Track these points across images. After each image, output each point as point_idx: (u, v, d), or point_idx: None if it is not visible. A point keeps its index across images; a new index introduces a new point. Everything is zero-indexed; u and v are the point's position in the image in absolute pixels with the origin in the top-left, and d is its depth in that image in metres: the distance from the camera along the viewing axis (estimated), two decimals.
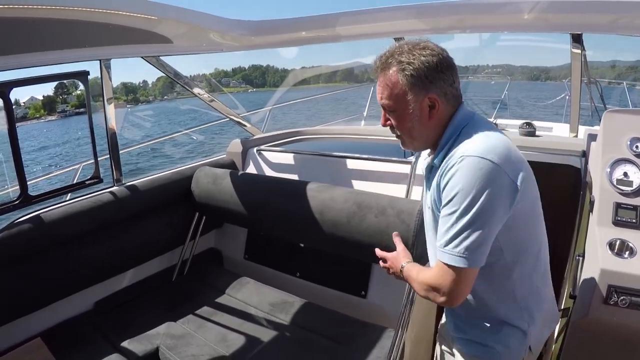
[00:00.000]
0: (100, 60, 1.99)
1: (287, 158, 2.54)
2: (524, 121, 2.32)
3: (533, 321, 1.21)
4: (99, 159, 2.15)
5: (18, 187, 1.85)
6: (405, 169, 2.01)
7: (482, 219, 1.02)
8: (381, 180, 2.10)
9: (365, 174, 2.18)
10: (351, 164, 2.25)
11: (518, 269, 1.16)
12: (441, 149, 1.17)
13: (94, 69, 2.06)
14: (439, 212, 1.13)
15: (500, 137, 1.11)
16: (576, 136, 2.20)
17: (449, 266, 1.06)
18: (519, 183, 1.06)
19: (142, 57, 2.05)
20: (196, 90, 2.60)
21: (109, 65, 2.06)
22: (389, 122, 1.21)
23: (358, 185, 2.17)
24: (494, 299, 1.20)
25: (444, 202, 1.09)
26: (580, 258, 1.49)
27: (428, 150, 1.31)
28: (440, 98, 1.13)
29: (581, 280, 1.43)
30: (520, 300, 1.19)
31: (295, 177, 2.43)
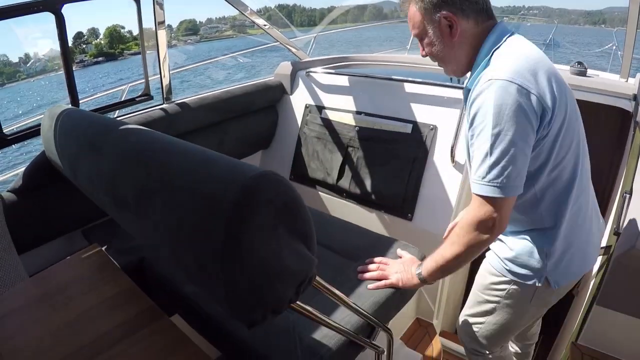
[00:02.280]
0: None
1: (338, 80, 2.53)
2: (576, 61, 2.26)
3: (552, 253, 1.21)
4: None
5: (69, 102, 1.88)
6: (458, 94, 2.00)
7: (515, 146, 1.01)
8: (434, 104, 2.07)
9: (418, 98, 2.16)
10: (403, 87, 2.23)
11: (547, 198, 1.18)
12: (473, 72, 1.18)
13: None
14: (471, 141, 1.11)
15: (534, 58, 1.09)
16: (627, 81, 2.14)
17: (486, 198, 1.06)
18: (549, 105, 1.04)
19: None
20: (251, 14, 2.60)
21: None
22: (423, 51, 1.24)
23: (410, 108, 2.16)
24: (520, 220, 1.24)
25: (473, 132, 1.08)
26: (628, 195, 1.48)
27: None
28: (457, 15, 1.13)
29: (627, 217, 1.44)
30: (546, 228, 1.21)
31: (348, 98, 2.43)
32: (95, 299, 1.16)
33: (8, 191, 1.72)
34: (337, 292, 1.02)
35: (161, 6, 2.10)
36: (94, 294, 1.18)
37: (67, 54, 1.80)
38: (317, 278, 0.89)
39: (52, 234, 1.84)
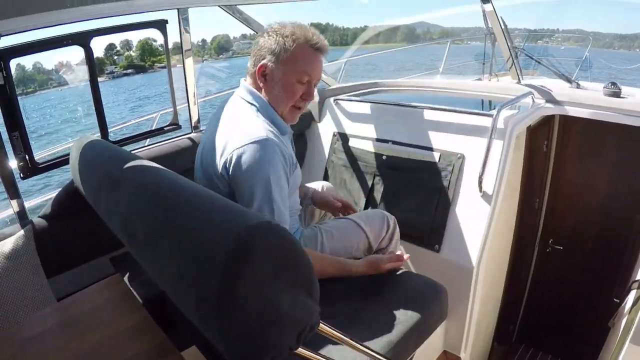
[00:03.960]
0: (178, 9, 2.03)
1: (365, 108, 2.55)
2: (609, 81, 2.22)
3: None
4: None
5: (99, 133, 1.98)
6: (486, 122, 1.98)
7: None
8: (462, 132, 2.06)
9: (445, 126, 2.16)
10: (431, 115, 2.24)
11: None
12: None
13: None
14: None
15: None
16: None
17: None
18: None
19: (219, 6, 2.06)
20: None
21: (186, 16, 2.11)
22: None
23: (437, 137, 2.16)
24: None
25: None
26: None
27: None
28: None
29: None
30: None
31: (374, 126, 2.44)
32: (111, 330, 1.21)
33: (39, 217, 1.80)
34: (345, 337, 1.02)
35: (187, 33, 2.17)
36: (110, 326, 1.23)
37: (96, 86, 1.88)
38: (322, 324, 0.89)
39: (80, 259, 1.91)
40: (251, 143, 1.28)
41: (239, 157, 1.28)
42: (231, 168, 1.30)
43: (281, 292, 0.75)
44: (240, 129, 1.35)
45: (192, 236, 0.81)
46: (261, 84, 1.44)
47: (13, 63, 1.64)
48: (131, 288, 1.51)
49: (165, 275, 0.90)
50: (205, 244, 0.77)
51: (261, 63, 1.41)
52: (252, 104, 1.43)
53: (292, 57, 1.38)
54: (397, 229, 1.90)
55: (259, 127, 1.34)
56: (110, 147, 1.50)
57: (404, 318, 1.40)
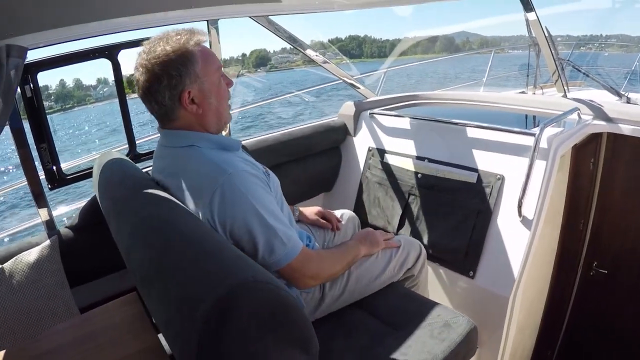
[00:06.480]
0: (207, 21, 2.03)
1: (402, 123, 2.49)
2: None
3: None
4: None
5: (127, 146, 2.00)
6: (528, 140, 1.88)
7: None
8: (502, 151, 1.96)
9: (484, 145, 2.08)
10: (470, 132, 2.16)
11: None
12: None
13: None
14: None
15: None
16: None
17: None
18: None
19: (250, 17, 2.05)
20: (310, 52, 2.63)
21: (217, 26, 2.12)
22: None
23: (476, 156, 2.08)
24: None
25: None
26: None
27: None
28: None
29: None
30: None
31: (411, 142, 2.38)
32: (121, 352, 1.19)
33: (65, 227, 1.82)
34: None
35: (218, 44, 2.17)
36: (121, 347, 1.21)
37: (124, 100, 1.90)
38: None
39: (104, 270, 1.91)
40: (220, 183, 1.19)
41: (218, 202, 1.19)
42: (216, 216, 1.20)
43: (270, 352, 0.70)
44: (200, 178, 1.26)
45: (178, 284, 0.77)
46: (194, 111, 1.30)
47: (41, 76, 1.67)
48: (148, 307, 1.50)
49: (157, 317, 0.86)
50: (186, 297, 0.72)
51: (182, 92, 1.27)
52: (192, 145, 1.32)
53: (202, 63, 1.28)
54: (426, 260, 1.88)
55: (216, 164, 1.25)
56: (126, 167, 1.48)
57: (427, 356, 1.32)
